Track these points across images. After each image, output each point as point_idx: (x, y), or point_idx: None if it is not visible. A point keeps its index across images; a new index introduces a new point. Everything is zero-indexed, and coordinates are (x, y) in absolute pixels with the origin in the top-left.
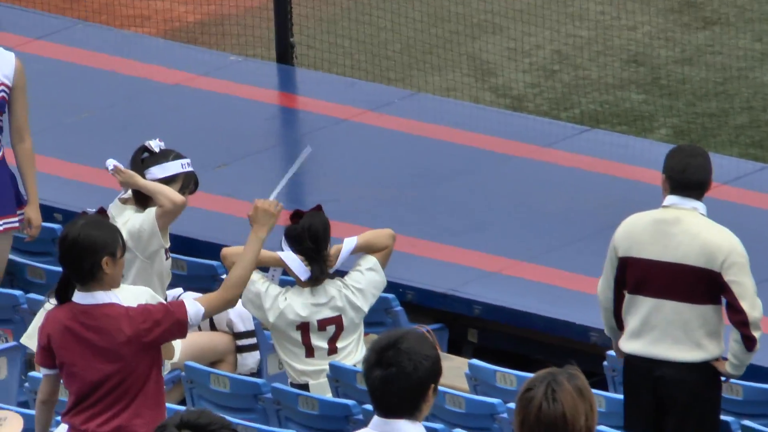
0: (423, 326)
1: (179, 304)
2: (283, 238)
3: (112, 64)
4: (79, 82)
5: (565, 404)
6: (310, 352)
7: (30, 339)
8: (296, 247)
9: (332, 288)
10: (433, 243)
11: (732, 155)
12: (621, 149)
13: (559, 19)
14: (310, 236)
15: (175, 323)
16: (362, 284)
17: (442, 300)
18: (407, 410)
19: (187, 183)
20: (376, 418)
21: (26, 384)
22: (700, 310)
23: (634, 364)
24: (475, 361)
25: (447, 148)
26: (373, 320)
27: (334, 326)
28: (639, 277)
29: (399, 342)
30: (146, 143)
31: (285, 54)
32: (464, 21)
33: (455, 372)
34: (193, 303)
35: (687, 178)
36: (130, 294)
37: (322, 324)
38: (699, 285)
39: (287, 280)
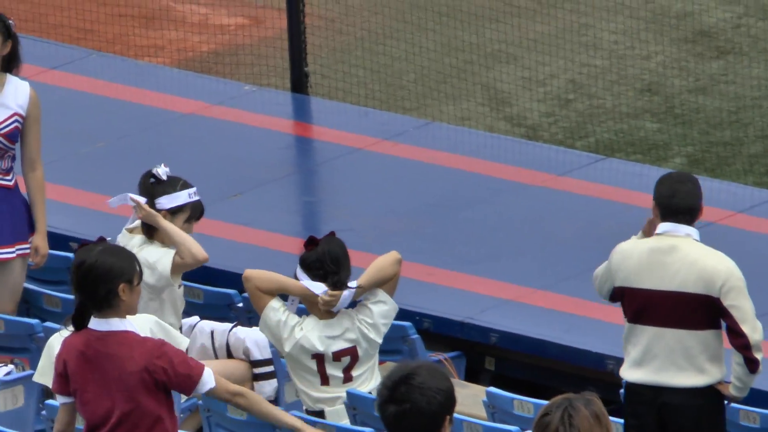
0: (440, 354)
1: (199, 367)
2: (299, 266)
3: (126, 94)
4: (94, 111)
5: (582, 430)
6: (325, 380)
7: (42, 376)
8: (315, 273)
9: (346, 320)
10: (449, 271)
11: (746, 183)
12: (636, 178)
13: (573, 48)
14: (331, 260)
15: (187, 378)
16: (373, 319)
17: (459, 328)
18: None
19: (195, 213)
20: None
21: (43, 412)
22: (702, 336)
23: (638, 392)
24: (493, 389)
25: (462, 177)
26: (389, 348)
27: (349, 357)
28: (638, 307)
29: (411, 377)
30: (153, 170)
31: (299, 83)
32: (478, 50)
33: (472, 400)
34: (210, 377)
35: (676, 204)
36: (137, 323)
37: (337, 355)
38: (699, 311)
39: (303, 309)
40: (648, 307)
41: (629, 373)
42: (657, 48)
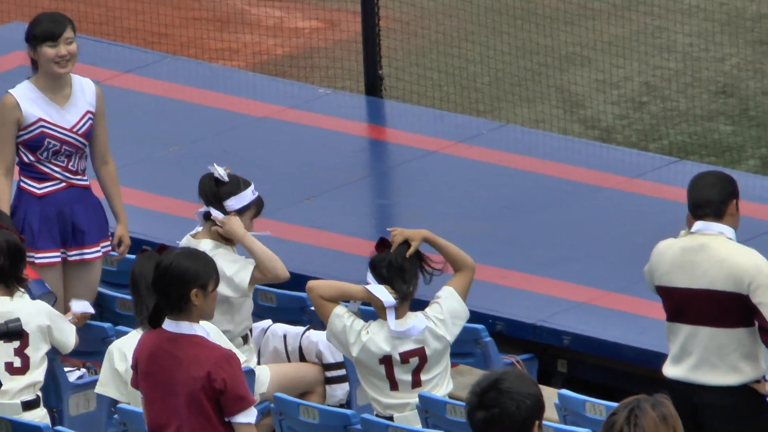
0: (512, 357)
1: (251, 399)
2: (368, 268)
3: (200, 98)
4: (168, 115)
5: (647, 430)
6: (394, 385)
7: (103, 386)
8: (381, 275)
9: (413, 320)
10: (522, 274)
11: None
12: None
13: (647, 51)
14: (398, 266)
15: (238, 399)
16: (443, 314)
17: (531, 331)
18: None
19: (258, 209)
20: None
21: (115, 416)
22: (735, 334)
23: (675, 388)
24: (565, 392)
25: (536, 180)
26: (462, 351)
27: (417, 358)
28: (674, 305)
29: (499, 382)
30: (214, 173)
31: (374, 86)
32: (552, 53)
33: (545, 402)
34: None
35: (693, 198)
36: (216, 335)
37: (405, 356)
38: (730, 309)
39: (367, 310)
40: (682, 305)
41: (668, 370)
42: (732, 50)
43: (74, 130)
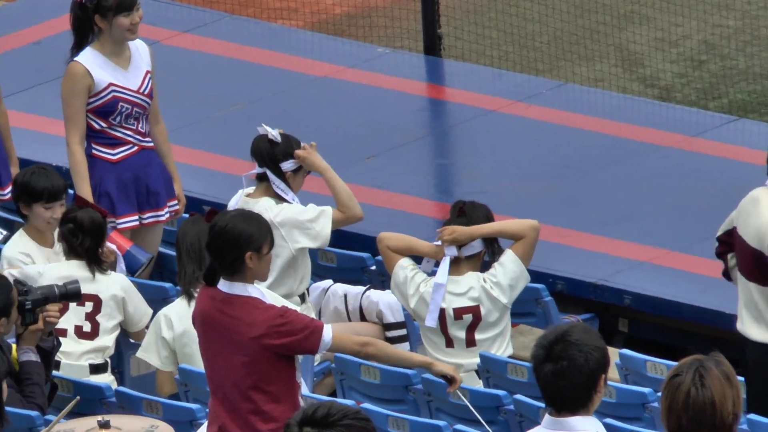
0: (573, 316)
1: (318, 328)
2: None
3: (259, 57)
4: (227, 75)
5: (714, 390)
6: (449, 342)
7: (145, 352)
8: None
9: (472, 279)
10: (583, 233)
11: None
12: None
13: (706, 9)
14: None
15: (307, 342)
16: (498, 277)
17: (592, 290)
18: (581, 403)
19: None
20: (548, 418)
21: (176, 376)
22: (763, 290)
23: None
24: (626, 351)
25: (595, 139)
26: (523, 310)
27: (471, 316)
28: (735, 251)
29: (567, 335)
30: (267, 135)
31: (432, 45)
32: (611, 12)
33: None
34: (329, 332)
35: None
36: (270, 296)
37: (458, 312)
38: (755, 265)
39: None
40: (736, 252)
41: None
42: None
43: (141, 91)
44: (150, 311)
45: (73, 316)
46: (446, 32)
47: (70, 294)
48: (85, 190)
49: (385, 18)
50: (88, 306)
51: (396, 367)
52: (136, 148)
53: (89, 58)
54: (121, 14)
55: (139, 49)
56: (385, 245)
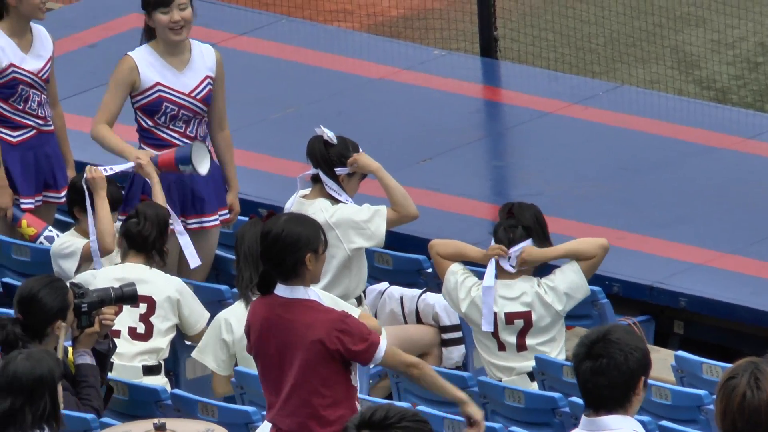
0: (629, 318)
1: (375, 344)
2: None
3: (315, 60)
4: (283, 77)
5: None
6: (501, 345)
7: (200, 353)
8: (506, 236)
9: (525, 284)
10: (638, 235)
11: None
12: None
13: (762, 11)
14: (524, 227)
15: (363, 355)
16: (556, 282)
17: (648, 292)
18: (618, 402)
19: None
20: (584, 419)
21: (232, 379)
22: None
23: None
24: (681, 353)
25: (651, 141)
26: (579, 313)
27: (522, 321)
28: None
29: (608, 333)
30: (323, 135)
31: (488, 47)
32: (667, 14)
33: (661, 364)
34: (384, 345)
35: None
36: (329, 299)
37: (510, 317)
38: None
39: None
40: None
41: None
42: None
43: (192, 94)
44: (207, 314)
45: (127, 318)
46: (502, 34)
47: (126, 296)
48: (127, 151)
49: (441, 20)
50: (142, 307)
51: (434, 393)
52: None
53: (142, 55)
54: (158, 10)
55: (204, 53)
56: (435, 252)
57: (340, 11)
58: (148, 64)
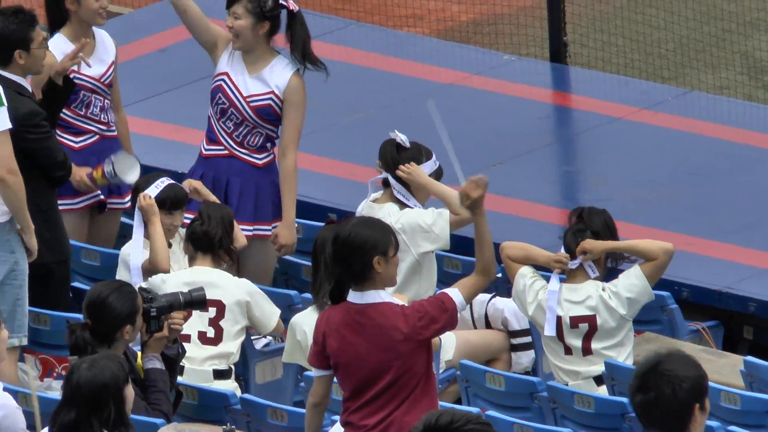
0: (698, 323)
1: (447, 298)
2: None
3: (385, 65)
4: (353, 82)
5: None
6: (567, 349)
7: (290, 355)
8: (575, 241)
9: (591, 288)
10: (708, 241)
11: None
12: None
13: None
14: (593, 232)
15: (449, 318)
16: (619, 287)
17: (717, 297)
18: (676, 428)
19: (438, 178)
20: None
21: (301, 384)
22: None
23: None
24: (751, 358)
25: (721, 146)
26: (648, 318)
27: (587, 325)
28: None
29: (659, 364)
30: (397, 140)
31: (558, 53)
32: (737, 19)
33: (730, 369)
34: (457, 293)
35: None
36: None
37: (575, 321)
38: None
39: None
40: None
41: None
42: None
43: (248, 99)
44: (278, 311)
45: (197, 322)
46: (572, 40)
47: (195, 301)
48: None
49: (511, 25)
50: (212, 311)
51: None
52: (226, 152)
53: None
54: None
55: (282, 71)
56: (505, 255)
57: (410, 16)
58: (227, 52)
